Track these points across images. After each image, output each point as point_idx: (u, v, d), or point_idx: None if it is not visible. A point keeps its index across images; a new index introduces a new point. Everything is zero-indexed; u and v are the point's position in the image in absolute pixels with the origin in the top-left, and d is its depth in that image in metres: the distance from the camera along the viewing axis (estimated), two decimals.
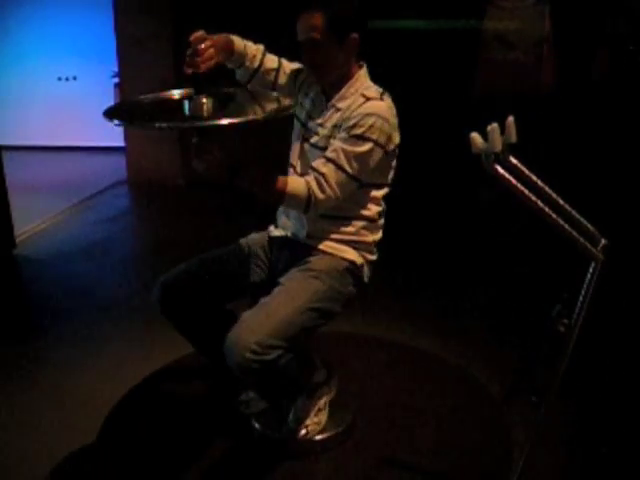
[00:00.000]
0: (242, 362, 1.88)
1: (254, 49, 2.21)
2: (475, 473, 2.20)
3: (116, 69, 5.34)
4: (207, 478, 2.20)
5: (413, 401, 2.56)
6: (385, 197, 2.21)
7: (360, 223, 2.15)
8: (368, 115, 1.99)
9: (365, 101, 2.02)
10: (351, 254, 2.15)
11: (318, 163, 2.02)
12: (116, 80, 5.45)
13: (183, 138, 4.92)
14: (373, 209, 2.16)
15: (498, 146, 1.66)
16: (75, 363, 2.88)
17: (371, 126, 1.98)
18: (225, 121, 1.78)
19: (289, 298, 2.02)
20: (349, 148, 1.99)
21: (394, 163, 2.16)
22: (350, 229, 2.15)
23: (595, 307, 1.83)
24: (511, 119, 1.69)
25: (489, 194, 1.99)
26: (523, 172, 1.77)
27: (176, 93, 2.09)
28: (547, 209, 1.74)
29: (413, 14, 4.95)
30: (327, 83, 2.12)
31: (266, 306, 2.00)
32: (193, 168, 1.92)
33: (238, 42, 2.19)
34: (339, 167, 1.99)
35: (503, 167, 1.71)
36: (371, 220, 2.17)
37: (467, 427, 2.40)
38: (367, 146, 1.99)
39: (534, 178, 1.79)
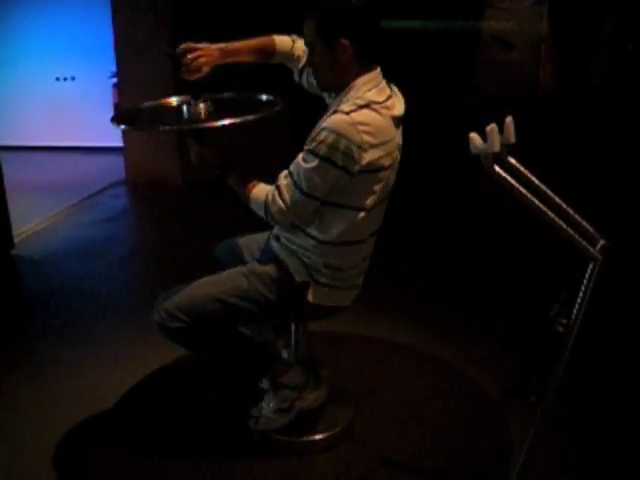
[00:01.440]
0: (154, 321, 2.09)
1: (301, 50, 2.19)
2: (475, 473, 2.21)
3: (114, 69, 5.33)
4: (207, 478, 2.20)
5: (412, 401, 2.56)
6: (367, 221, 2.01)
7: (312, 241, 2.03)
8: (322, 130, 1.86)
9: (332, 113, 1.89)
10: (295, 268, 2.07)
11: (281, 174, 1.99)
12: (114, 80, 5.45)
13: (182, 139, 4.92)
14: (334, 231, 2.00)
15: (497, 146, 1.66)
16: (74, 363, 2.88)
17: (321, 142, 1.85)
18: (215, 123, 1.98)
19: (212, 284, 2.11)
20: (300, 162, 1.92)
21: (377, 187, 1.97)
22: (303, 243, 2.05)
23: (594, 307, 1.83)
24: (510, 119, 1.70)
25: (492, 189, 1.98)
26: (522, 172, 1.78)
27: (175, 99, 2.36)
28: (546, 209, 1.75)
29: (411, 15, 4.95)
30: (330, 90, 2.06)
31: (194, 283, 2.14)
32: (193, 167, 2.15)
33: (283, 43, 2.19)
34: (294, 181, 1.93)
35: (502, 167, 1.71)
36: (325, 242, 2.02)
37: (467, 427, 2.41)
38: (314, 163, 1.87)
39: (533, 178, 1.79)
